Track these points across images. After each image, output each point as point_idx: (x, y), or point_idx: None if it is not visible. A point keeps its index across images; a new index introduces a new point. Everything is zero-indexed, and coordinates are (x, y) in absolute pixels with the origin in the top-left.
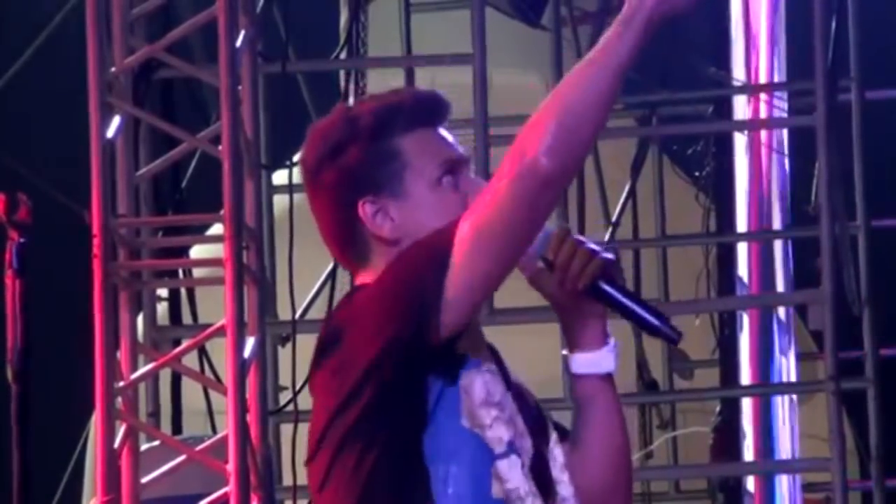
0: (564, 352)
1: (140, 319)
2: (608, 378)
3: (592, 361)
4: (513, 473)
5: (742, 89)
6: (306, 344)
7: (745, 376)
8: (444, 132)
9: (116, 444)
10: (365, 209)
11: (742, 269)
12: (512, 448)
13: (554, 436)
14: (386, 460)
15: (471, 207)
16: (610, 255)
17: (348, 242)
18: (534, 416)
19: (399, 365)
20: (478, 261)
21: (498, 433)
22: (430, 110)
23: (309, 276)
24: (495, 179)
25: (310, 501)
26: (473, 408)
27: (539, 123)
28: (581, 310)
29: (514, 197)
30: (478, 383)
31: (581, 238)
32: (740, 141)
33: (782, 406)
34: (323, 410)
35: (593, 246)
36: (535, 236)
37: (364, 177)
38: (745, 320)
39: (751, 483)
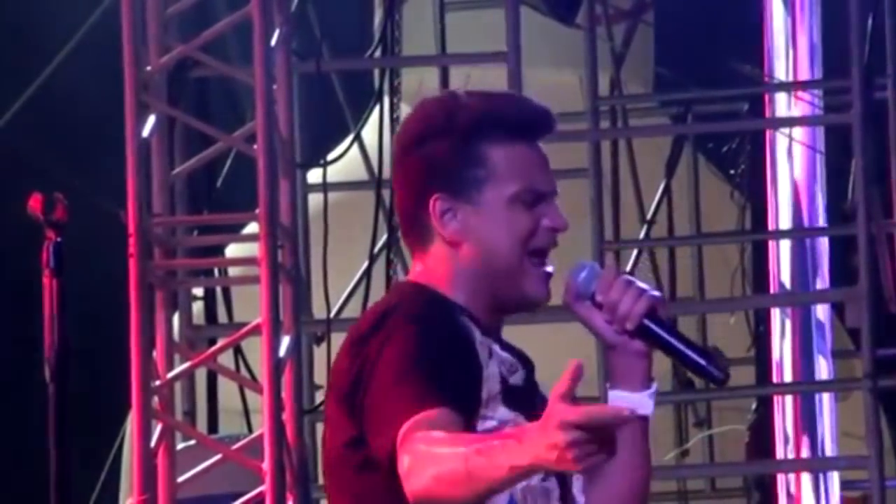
0: (607, 384)
1: (176, 318)
2: (643, 421)
3: (631, 401)
4: None
5: (778, 87)
6: (342, 342)
7: (787, 376)
8: (542, 151)
9: (153, 444)
10: (435, 205)
11: (784, 269)
12: None
13: None
14: None
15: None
16: (657, 294)
17: (413, 227)
18: None
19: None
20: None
21: None
22: (532, 124)
23: (343, 274)
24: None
25: None
26: None
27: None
28: (627, 348)
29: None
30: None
31: (629, 277)
32: (780, 140)
33: (824, 405)
34: (334, 436)
35: (641, 285)
36: None
37: (444, 173)
38: (788, 324)
39: (791, 483)
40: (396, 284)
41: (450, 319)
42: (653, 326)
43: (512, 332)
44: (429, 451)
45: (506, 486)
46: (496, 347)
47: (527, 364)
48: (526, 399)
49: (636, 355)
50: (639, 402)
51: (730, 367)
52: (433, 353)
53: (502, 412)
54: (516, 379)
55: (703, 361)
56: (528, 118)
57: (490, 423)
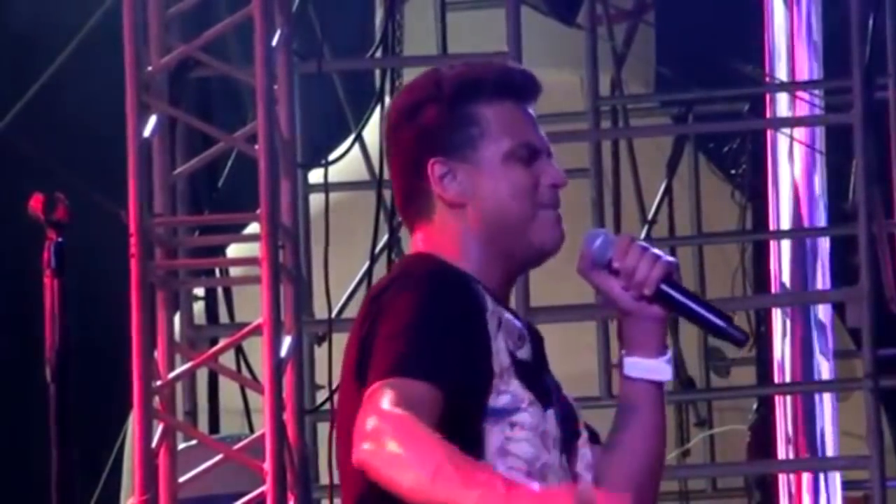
0: (622, 352)
1: (177, 318)
2: (660, 387)
3: (648, 368)
4: None
5: (778, 87)
6: (342, 343)
7: (788, 376)
8: (531, 113)
9: (154, 444)
10: (434, 169)
11: (784, 269)
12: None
13: (584, 436)
14: None
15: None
16: (672, 259)
17: (413, 199)
18: (565, 414)
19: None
20: None
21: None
22: (519, 86)
23: (345, 274)
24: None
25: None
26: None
27: (398, 457)
28: (643, 314)
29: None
30: (495, 436)
31: (644, 244)
32: (781, 140)
33: (825, 405)
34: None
35: (656, 251)
36: None
37: (438, 138)
38: (789, 324)
39: (792, 484)
40: (403, 257)
41: (459, 288)
42: (671, 291)
43: None
44: (399, 440)
45: None
46: (506, 315)
47: (535, 337)
48: (535, 375)
49: (653, 320)
50: (655, 368)
51: (731, 367)
52: (431, 324)
53: (516, 386)
54: (524, 354)
55: (723, 323)
56: (512, 78)
57: (505, 398)
